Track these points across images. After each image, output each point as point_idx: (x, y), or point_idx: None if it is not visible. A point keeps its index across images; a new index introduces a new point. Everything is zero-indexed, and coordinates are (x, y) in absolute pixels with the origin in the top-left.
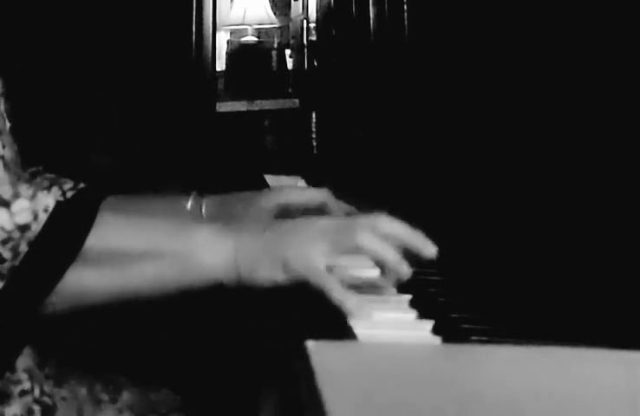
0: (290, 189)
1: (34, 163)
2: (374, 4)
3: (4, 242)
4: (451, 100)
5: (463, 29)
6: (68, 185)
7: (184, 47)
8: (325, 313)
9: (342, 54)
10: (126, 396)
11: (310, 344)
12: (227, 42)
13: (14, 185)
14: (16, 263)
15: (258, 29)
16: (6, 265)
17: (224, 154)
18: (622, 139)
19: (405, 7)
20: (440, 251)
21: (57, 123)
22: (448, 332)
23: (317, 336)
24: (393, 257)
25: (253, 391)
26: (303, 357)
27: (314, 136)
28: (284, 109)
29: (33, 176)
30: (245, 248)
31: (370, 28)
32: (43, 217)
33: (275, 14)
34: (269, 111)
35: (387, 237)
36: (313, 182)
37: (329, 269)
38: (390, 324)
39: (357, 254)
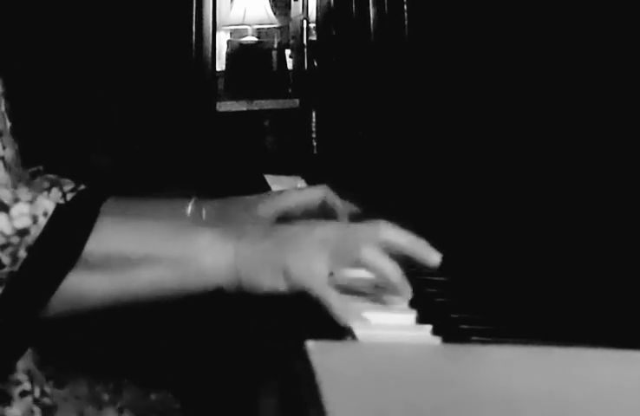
0: (289, 192)
1: (34, 163)
2: (374, 4)
3: (3, 247)
4: (451, 100)
5: (463, 29)
6: (69, 186)
7: (184, 47)
8: (325, 313)
9: (342, 54)
10: (126, 396)
11: (310, 344)
12: (227, 42)
13: (14, 187)
14: (16, 268)
15: (258, 29)
16: (5, 271)
17: (224, 154)
18: (622, 139)
19: (405, 7)
20: (440, 251)
21: (57, 123)
22: (448, 332)
23: (317, 336)
24: (395, 276)
25: (253, 391)
26: (303, 357)
27: (314, 136)
28: (284, 109)
29: (33, 176)
30: (245, 254)
31: (370, 28)
32: (43, 221)
33: (275, 14)
34: (269, 111)
35: (389, 247)
36: (313, 182)
37: (330, 275)
38: (390, 324)
39: (357, 267)
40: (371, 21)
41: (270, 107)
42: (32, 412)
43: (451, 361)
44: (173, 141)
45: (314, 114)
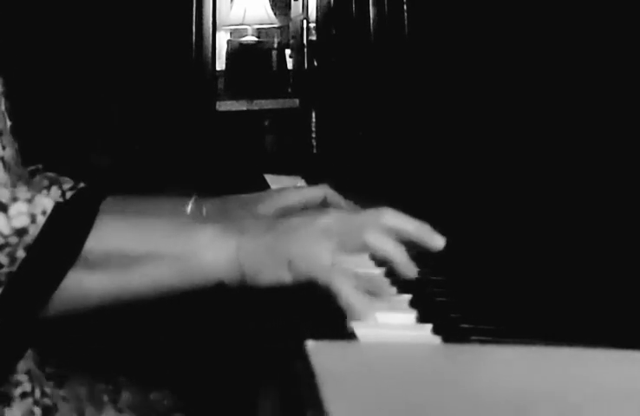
0: (289, 191)
1: (34, 162)
2: (374, 4)
3: (1, 247)
4: (451, 100)
5: (463, 29)
6: (68, 184)
7: (184, 47)
8: (325, 313)
9: (342, 54)
10: (126, 396)
11: (310, 344)
12: (227, 42)
13: (14, 186)
14: (14, 268)
15: (258, 29)
16: (3, 271)
17: (224, 154)
18: (622, 139)
19: (405, 7)
20: (440, 251)
21: (57, 123)
22: (448, 332)
23: (317, 336)
24: (400, 257)
25: (253, 391)
26: (303, 357)
27: (314, 136)
28: (284, 109)
29: (32, 174)
30: (248, 248)
31: (370, 28)
32: (41, 220)
33: (275, 14)
34: (269, 111)
35: (393, 232)
36: (313, 182)
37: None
38: (390, 324)
39: (363, 252)
40: (371, 21)
41: (270, 106)
42: (32, 412)
43: (451, 361)
44: (172, 141)
45: (314, 114)
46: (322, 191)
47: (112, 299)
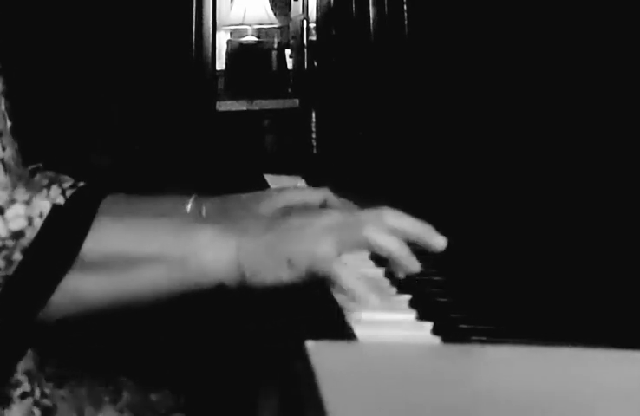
0: (290, 191)
1: (34, 162)
2: (374, 4)
3: None
4: (451, 100)
5: (463, 29)
6: (68, 183)
7: (184, 47)
8: (325, 313)
9: (342, 54)
10: (126, 396)
11: (310, 344)
12: (227, 42)
13: (14, 186)
14: (10, 272)
15: (258, 29)
16: (0, 274)
17: (224, 154)
18: (622, 139)
19: (405, 7)
20: (440, 251)
21: (57, 123)
22: (448, 332)
23: (317, 336)
24: (402, 251)
25: (253, 391)
26: (303, 357)
27: (314, 136)
28: (284, 109)
29: (32, 173)
30: (248, 248)
31: (370, 28)
32: (38, 222)
33: (275, 14)
34: (269, 111)
35: (394, 231)
36: (313, 182)
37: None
38: (390, 324)
39: (364, 249)
40: (371, 21)
41: (270, 106)
42: (32, 413)
43: (451, 361)
44: (172, 141)
45: (314, 114)
46: (322, 194)
47: (111, 301)
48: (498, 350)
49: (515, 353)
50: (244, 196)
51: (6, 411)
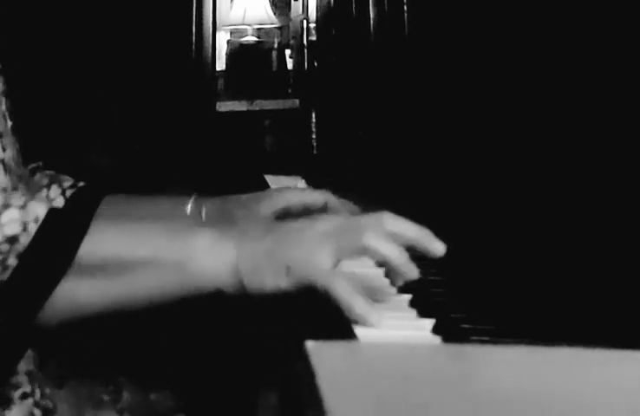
0: (291, 191)
1: (34, 162)
2: (374, 4)
3: None
4: (451, 100)
5: (463, 29)
6: (68, 182)
7: (184, 47)
8: (325, 313)
9: (342, 54)
10: (126, 396)
11: (310, 344)
12: (227, 42)
13: (15, 187)
14: (5, 277)
15: (258, 29)
16: None
17: (224, 154)
18: (622, 140)
19: (405, 7)
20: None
21: (57, 123)
22: (448, 332)
23: (317, 336)
24: (401, 259)
25: (253, 391)
26: (303, 357)
27: (314, 136)
28: (284, 109)
29: (32, 172)
30: (247, 254)
31: (370, 28)
32: (33, 228)
33: (275, 14)
34: (269, 111)
35: (393, 236)
36: (313, 182)
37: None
38: (390, 324)
39: (363, 256)
40: (371, 21)
41: (270, 107)
42: (32, 414)
43: (451, 361)
44: (172, 141)
45: (314, 114)
46: (323, 196)
47: (108, 306)
48: (498, 350)
49: (515, 353)
50: (244, 196)
51: (6, 412)
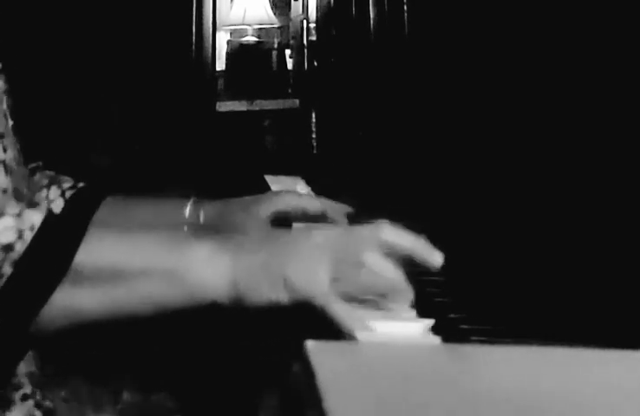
0: (290, 195)
1: (34, 162)
2: (374, 4)
3: None
4: (451, 100)
5: (463, 29)
6: (68, 183)
7: (184, 47)
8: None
9: (342, 54)
10: (126, 398)
11: (310, 344)
12: (227, 42)
13: (16, 187)
14: (0, 285)
15: (258, 29)
16: None
17: (224, 154)
18: (622, 140)
19: (405, 7)
20: (439, 251)
21: (57, 123)
22: (448, 332)
23: (317, 336)
24: (398, 280)
25: (253, 391)
26: (303, 357)
27: (314, 136)
28: (284, 109)
29: (32, 172)
30: (243, 266)
31: (370, 28)
32: (29, 235)
33: (275, 14)
34: (269, 111)
35: (390, 248)
36: (313, 182)
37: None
38: (390, 324)
39: (360, 270)
40: (371, 21)
41: (270, 107)
42: None
43: (451, 361)
44: (172, 141)
45: (314, 114)
46: (321, 203)
47: (105, 315)
48: (498, 350)
49: (515, 353)
50: (243, 199)
51: (7, 413)
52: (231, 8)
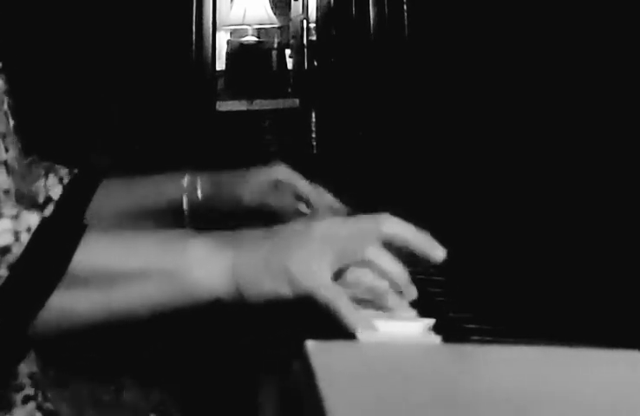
0: (283, 168)
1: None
2: (374, 4)
3: None
4: (451, 100)
5: (463, 29)
6: (64, 170)
7: (184, 47)
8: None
9: (342, 54)
10: (127, 396)
11: (310, 344)
12: (227, 42)
13: (17, 187)
14: None
15: (258, 29)
16: None
17: (224, 154)
18: (622, 140)
19: (405, 7)
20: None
21: (57, 123)
22: (448, 331)
23: (317, 336)
24: (400, 277)
25: (253, 391)
26: (303, 357)
27: (314, 136)
28: (284, 109)
29: (28, 166)
30: (244, 262)
31: (370, 28)
32: (25, 238)
33: (275, 14)
34: (269, 111)
35: (392, 241)
36: (313, 182)
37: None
38: (390, 324)
39: (362, 264)
40: (371, 21)
41: (270, 106)
42: None
43: (451, 361)
44: (173, 141)
45: (314, 114)
46: (310, 190)
47: (103, 317)
48: (498, 350)
49: (515, 353)
50: (238, 171)
51: (8, 415)
52: (231, 8)
